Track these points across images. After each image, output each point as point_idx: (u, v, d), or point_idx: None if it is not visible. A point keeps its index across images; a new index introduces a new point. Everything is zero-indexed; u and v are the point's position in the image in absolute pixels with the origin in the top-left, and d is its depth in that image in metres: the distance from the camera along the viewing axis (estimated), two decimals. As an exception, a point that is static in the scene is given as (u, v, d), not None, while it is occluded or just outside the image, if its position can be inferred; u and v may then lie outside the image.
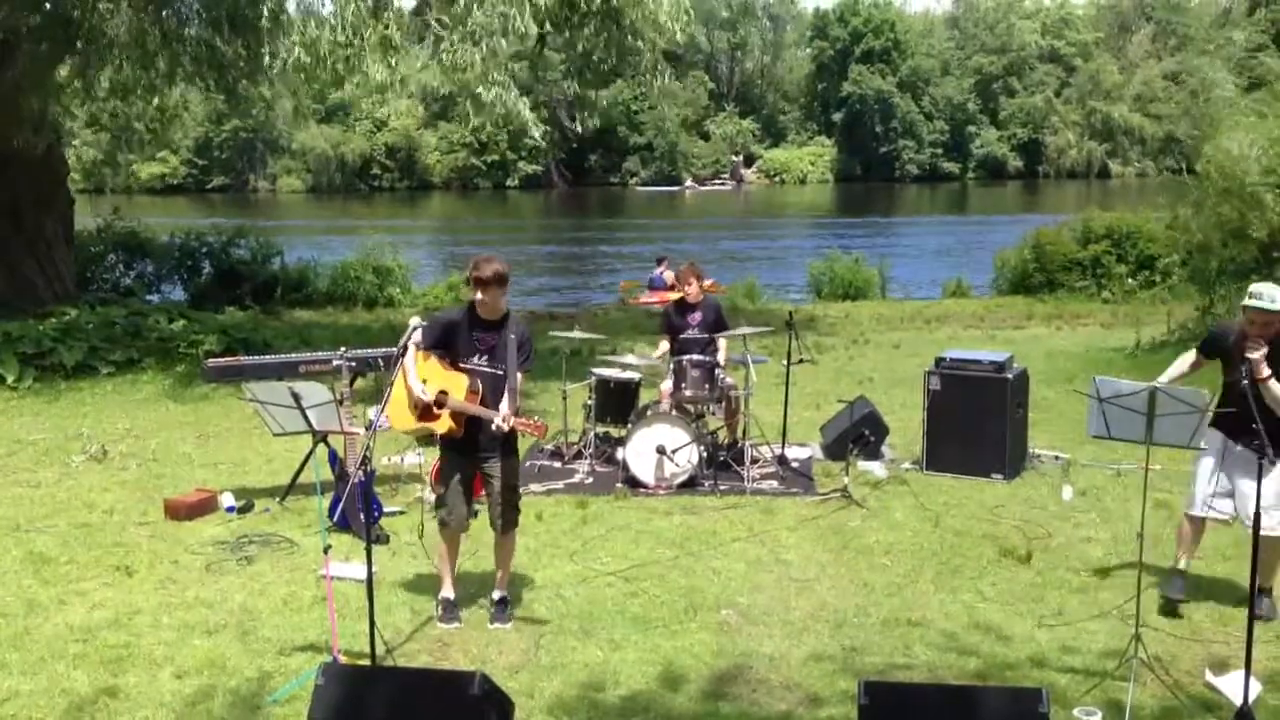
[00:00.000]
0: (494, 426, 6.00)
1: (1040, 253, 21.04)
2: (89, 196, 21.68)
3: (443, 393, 6.13)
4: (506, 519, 6.37)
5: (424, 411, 6.18)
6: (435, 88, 12.14)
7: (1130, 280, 20.07)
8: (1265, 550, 5.74)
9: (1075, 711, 5.13)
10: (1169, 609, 6.29)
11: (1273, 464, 5.28)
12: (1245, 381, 5.63)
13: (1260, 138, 12.61)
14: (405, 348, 6.11)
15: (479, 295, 6.10)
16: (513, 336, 6.17)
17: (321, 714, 4.58)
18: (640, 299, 21.30)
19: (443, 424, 6.18)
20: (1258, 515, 5.06)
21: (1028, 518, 8.02)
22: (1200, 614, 6.30)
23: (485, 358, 6.19)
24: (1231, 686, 5.23)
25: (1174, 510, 8.09)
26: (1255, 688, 5.14)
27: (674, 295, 22.56)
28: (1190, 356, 6.62)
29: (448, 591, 6.48)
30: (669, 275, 22.29)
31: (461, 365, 6.20)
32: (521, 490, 8.62)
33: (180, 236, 21.06)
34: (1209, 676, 5.47)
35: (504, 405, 6.06)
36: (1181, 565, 6.48)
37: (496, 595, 6.44)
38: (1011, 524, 7.91)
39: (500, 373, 6.16)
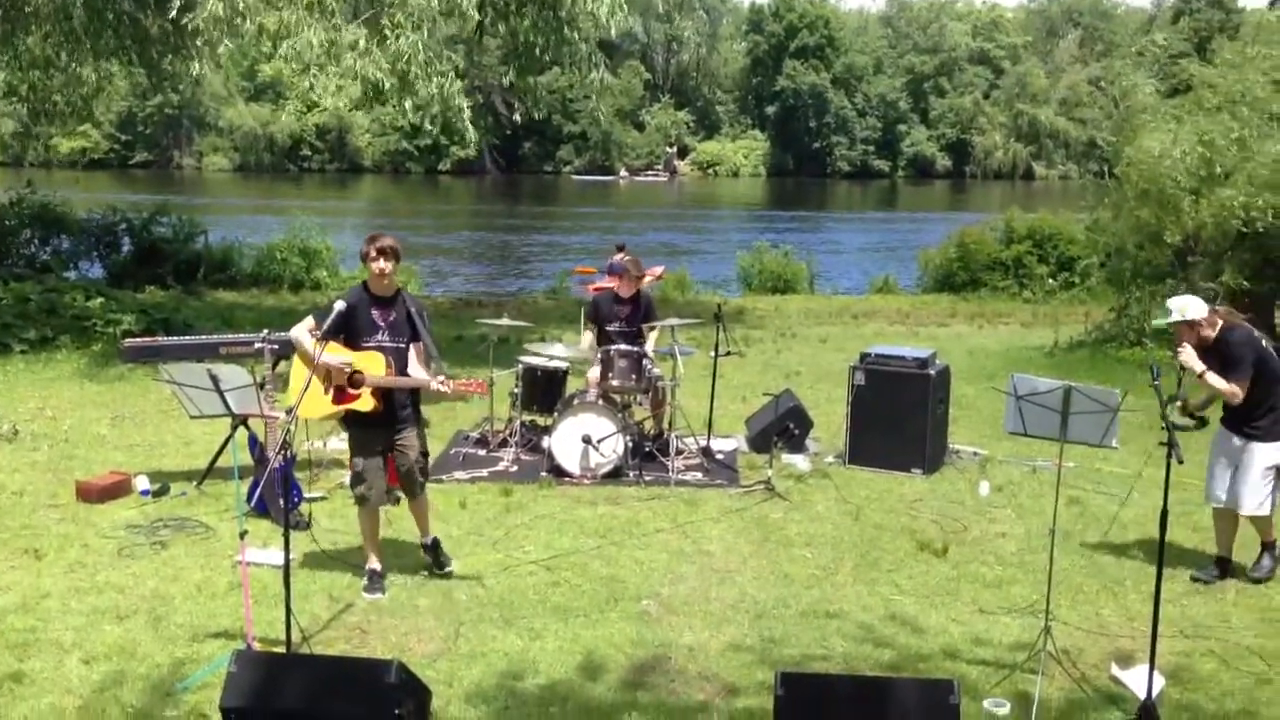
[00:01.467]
0: (434, 388, 6.17)
1: (965, 252, 21.41)
2: (6, 170, 21.07)
3: (357, 372, 6.16)
4: (415, 484, 6.53)
5: (339, 394, 6.18)
6: (379, 79, 11.81)
7: (1051, 281, 20.52)
8: (1252, 524, 6.86)
9: (985, 703, 5.23)
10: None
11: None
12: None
13: (1178, 142, 12.92)
14: (329, 330, 6.05)
15: (377, 265, 6.20)
16: (411, 308, 6.34)
17: (233, 701, 4.53)
18: (599, 285, 21.35)
19: (365, 402, 6.21)
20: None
21: (945, 512, 8.16)
22: (1108, 609, 6.46)
23: (386, 334, 6.30)
24: (1136, 680, 5.37)
25: (1086, 506, 8.32)
26: (1159, 682, 5.29)
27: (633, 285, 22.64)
28: None
29: (373, 564, 6.54)
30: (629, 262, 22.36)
31: (364, 344, 6.26)
32: (446, 478, 8.68)
33: (100, 212, 20.56)
34: (1114, 670, 5.61)
35: (421, 372, 6.28)
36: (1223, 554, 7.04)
37: (430, 540, 6.71)
38: (929, 518, 8.04)
39: (403, 346, 6.31)
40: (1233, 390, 6.59)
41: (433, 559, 6.75)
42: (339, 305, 6.08)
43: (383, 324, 6.28)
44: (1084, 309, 16.58)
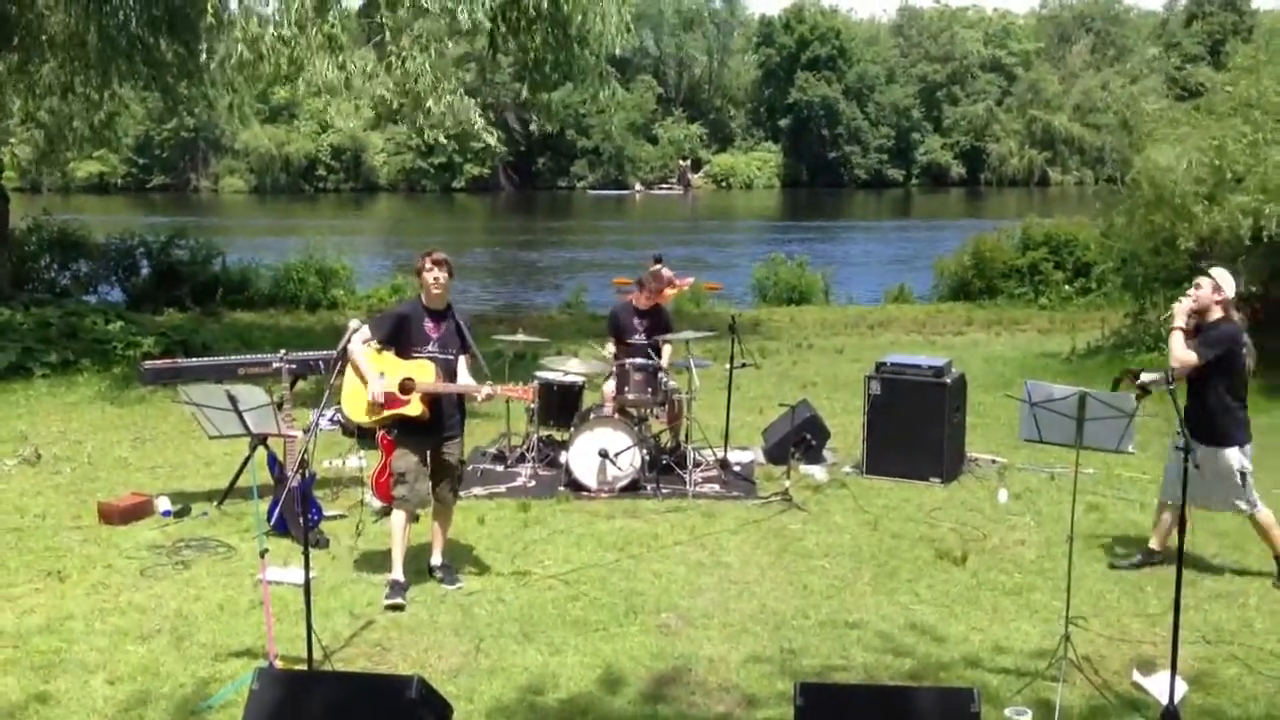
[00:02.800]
0: (481, 398, 6.44)
1: (980, 259, 21.37)
2: (25, 195, 21.27)
3: (408, 379, 6.41)
4: (456, 490, 6.91)
5: (389, 400, 6.41)
6: (388, 100, 12.04)
7: (1067, 287, 20.46)
8: (1254, 525, 6.91)
9: (1006, 711, 5.22)
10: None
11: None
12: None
13: (1188, 149, 12.88)
14: (345, 350, 6.24)
15: (431, 276, 6.47)
16: (461, 322, 6.62)
17: (256, 719, 4.55)
18: (633, 297, 21.57)
19: (415, 407, 6.45)
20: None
21: (964, 520, 8.15)
22: (1129, 616, 6.44)
23: (436, 345, 6.55)
24: (1158, 686, 5.35)
25: (1105, 512, 8.29)
26: (1181, 688, 5.26)
27: (669, 293, 23.08)
28: None
29: (397, 574, 6.63)
30: (666, 272, 22.84)
31: (414, 355, 6.51)
32: (464, 494, 8.71)
33: (118, 236, 20.73)
34: (1136, 676, 5.60)
35: (470, 381, 6.54)
36: (1154, 547, 7.13)
37: (438, 560, 6.86)
38: (948, 527, 8.03)
39: (451, 358, 6.56)
40: (1185, 357, 6.58)
41: (443, 576, 6.85)
42: (400, 311, 6.56)
43: (434, 335, 6.55)
44: (1100, 315, 16.53)
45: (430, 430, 6.59)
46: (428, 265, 6.52)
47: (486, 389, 6.41)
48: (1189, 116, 13.82)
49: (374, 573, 6.96)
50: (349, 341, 6.37)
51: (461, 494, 8.66)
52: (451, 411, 6.65)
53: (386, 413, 6.48)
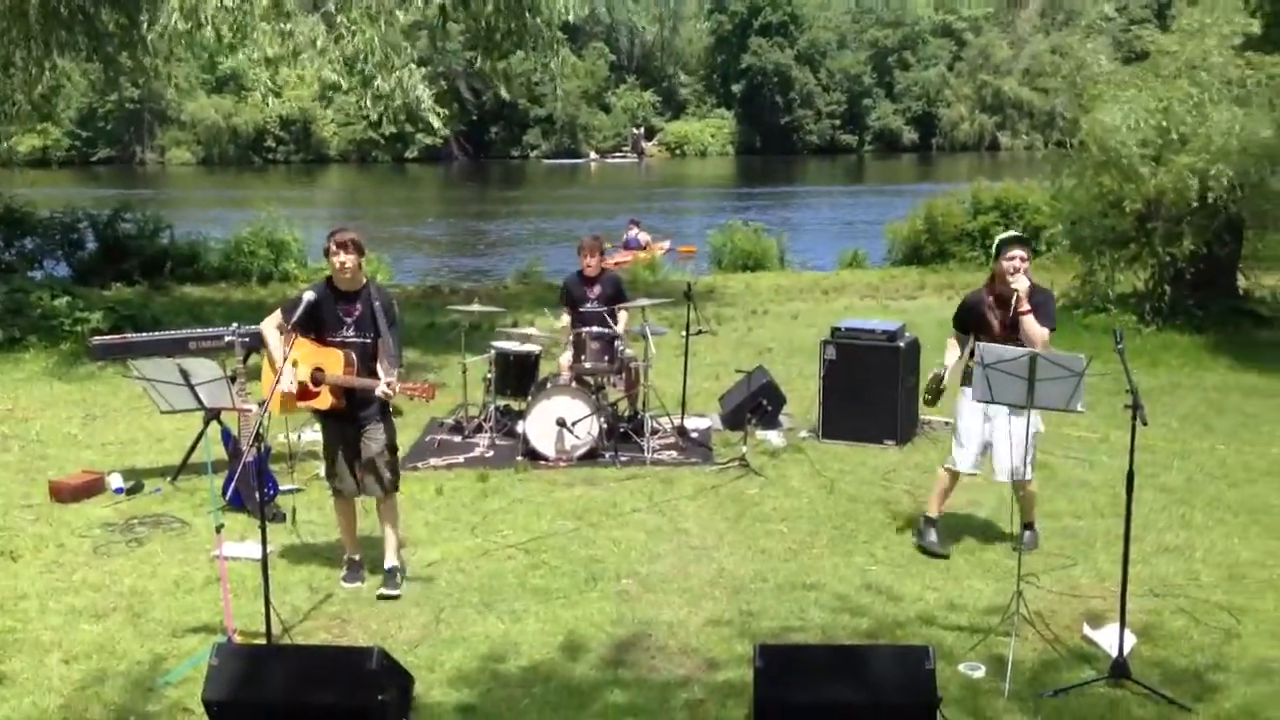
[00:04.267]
0: (379, 393, 6.04)
1: (932, 224, 21.49)
2: (-36, 170, 20.88)
3: (319, 369, 6.15)
4: (388, 480, 6.40)
5: (302, 393, 6.18)
6: (335, 80, 11.74)
7: (1018, 250, 20.61)
8: (1023, 492, 6.73)
9: (961, 666, 5.32)
10: (933, 554, 6.76)
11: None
12: (996, 334, 6.46)
13: (1135, 109, 13.01)
14: (299, 321, 6.05)
15: (338, 260, 6.09)
16: (377, 303, 6.18)
17: (216, 694, 4.54)
18: (614, 259, 21.72)
19: (324, 400, 6.20)
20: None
21: (918, 483, 8.24)
22: (1078, 571, 6.57)
23: (352, 329, 6.21)
24: (1108, 639, 5.48)
25: (1055, 471, 8.41)
26: (1130, 640, 5.39)
27: (644, 255, 23.30)
28: (954, 341, 7.01)
29: (351, 553, 6.55)
30: (643, 236, 23.18)
31: (329, 339, 6.20)
32: (421, 465, 8.67)
33: (62, 211, 20.34)
34: (1086, 630, 5.72)
35: (382, 372, 6.12)
36: (932, 514, 6.91)
37: (387, 564, 6.44)
38: (903, 489, 8.13)
39: (368, 340, 6.19)
40: (1044, 334, 6.45)
41: (384, 578, 6.39)
42: (307, 296, 6.08)
43: (348, 319, 6.20)
44: (1050, 277, 16.68)
45: (345, 419, 6.30)
46: (333, 248, 6.09)
47: (382, 386, 6.02)
48: (1135, 77, 13.94)
49: (332, 547, 6.94)
50: (302, 312, 6.04)
51: (420, 465, 8.69)
52: (369, 398, 6.21)
53: (300, 404, 6.23)
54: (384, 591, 6.30)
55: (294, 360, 6.08)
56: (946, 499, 6.98)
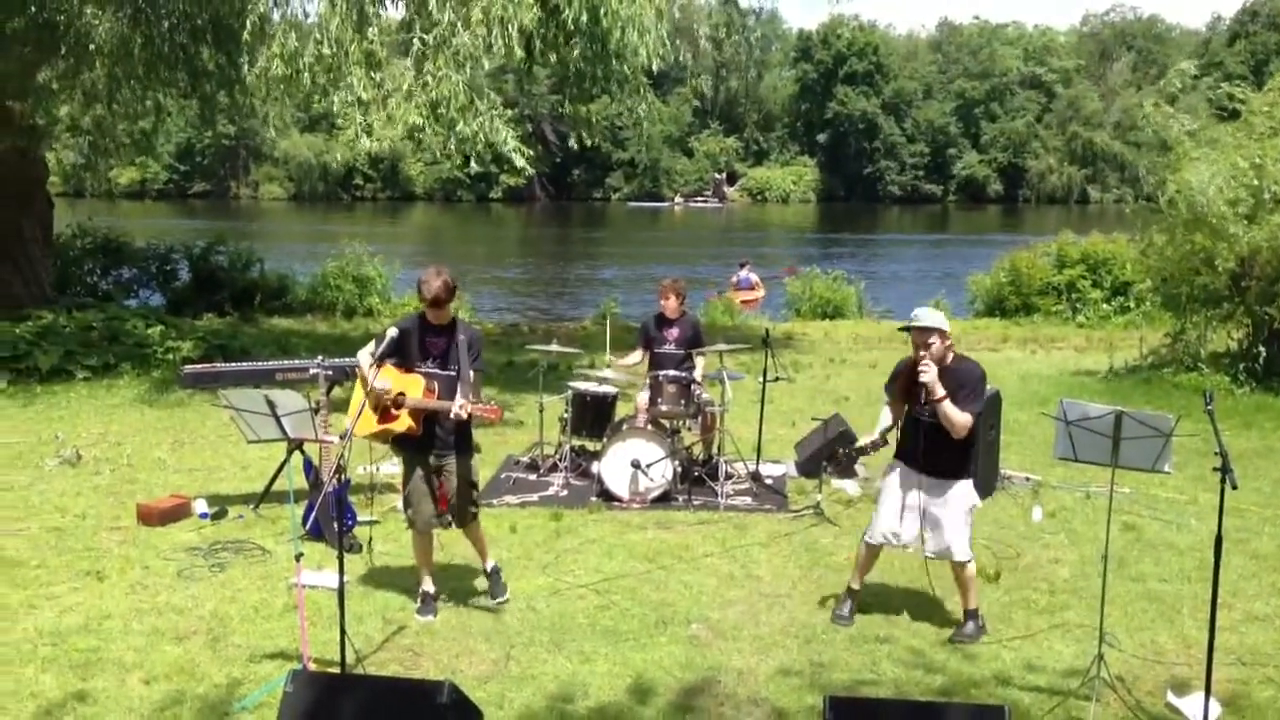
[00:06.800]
0: (452, 414, 6.22)
1: (1016, 276, 21.22)
2: (68, 201, 21.60)
3: (400, 394, 6.36)
4: (464, 513, 6.59)
5: (383, 415, 6.40)
6: (419, 125, 12.05)
7: (1105, 306, 20.28)
8: (958, 575, 6.35)
9: (1038, 729, 5.20)
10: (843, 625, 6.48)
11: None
12: (923, 405, 6.15)
13: (1221, 169, 12.77)
14: (382, 356, 6.30)
15: (431, 313, 6.39)
16: (462, 338, 6.44)
17: (290, 720, 4.60)
18: (742, 299, 23.33)
19: (402, 423, 6.39)
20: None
21: (997, 538, 8.10)
22: (1163, 636, 6.38)
23: (437, 361, 6.45)
24: (1192, 708, 5.31)
25: (1141, 532, 8.21)
26: (1215, 709, 5.22)
27: (759, 294, 23.94)
28: (887, 408, 6.60)
29: (426, 585, 6.65)
30: (754, 276, 23.62)
31: (416, 369, 6.45)
32: (496, 502, 8.74)
33: (158, 242, 21.01)
34: (1170, 698, 5.54)
35: (458, 397, 6.28)
36: (855, 586, 6.64)
37: (488, 566, 6.80)
38: (981, 543, 7.96)
39: (453, 373, 6.40)
40: (966, 422, 6.09)
41: (490, 586, 6.81)
42: (391, 332, 6.33)
43: (434, 352, 6.46)
44: (1139, 334, 16.39)
45: (422, 446, 6.48)
46: (428, 299, 6.32)
47: (455, 408, 6.19)
48: (1228, 135, 13.68)
49: (407, 578, 7.01)
50: (385, 348, 6.36)
51: (495, 502, 8.75)
52: (448, 428, 6.41)
53: (379, 427, 6.43)
54: (500, 599, 6.69)
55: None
56: (866, 572, 6.65)
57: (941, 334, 6.19)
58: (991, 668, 5.94)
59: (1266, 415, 12.14)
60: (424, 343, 6.46)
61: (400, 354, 6.44)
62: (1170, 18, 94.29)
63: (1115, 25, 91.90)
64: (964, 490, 6.31)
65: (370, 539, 7.65)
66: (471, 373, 6.38)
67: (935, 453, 6.25)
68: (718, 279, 26.97)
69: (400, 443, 6.55)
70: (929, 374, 6.10)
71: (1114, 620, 6.39)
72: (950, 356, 6.26)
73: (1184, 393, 12.77)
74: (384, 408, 6.38)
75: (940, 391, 6.10)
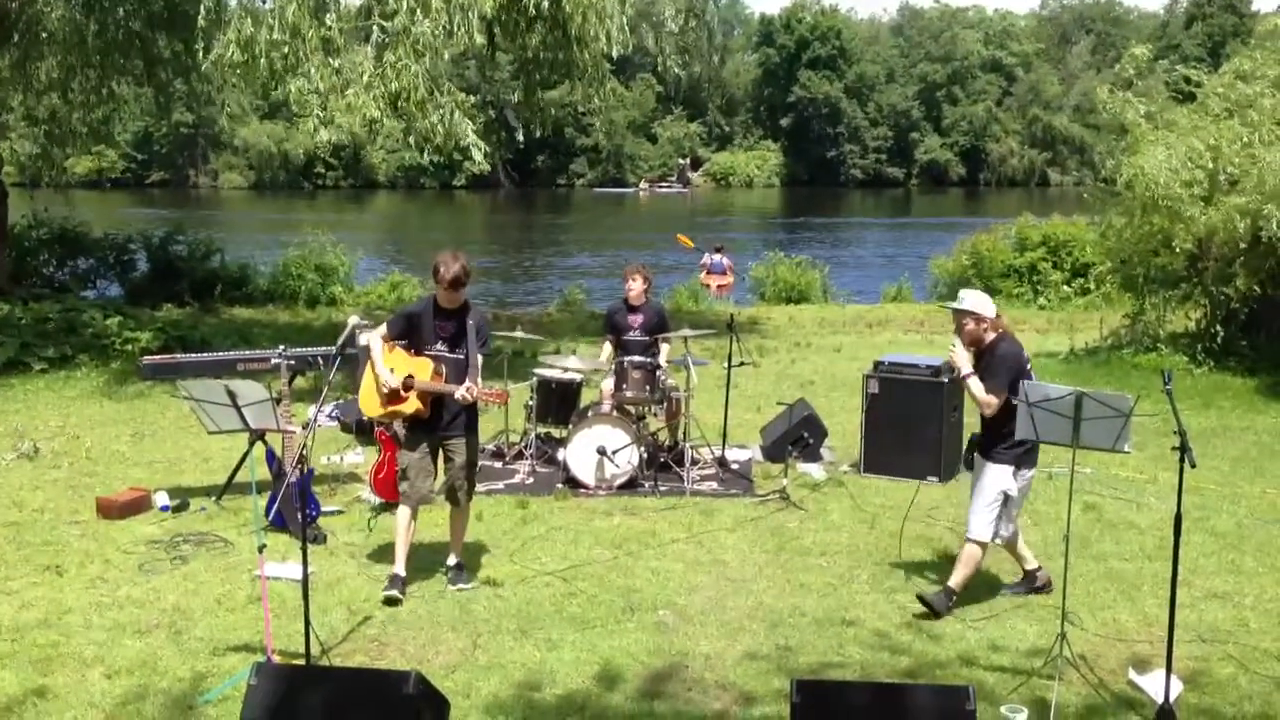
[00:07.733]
0: (458, 397, 6.42)
1: (978, 259, 21.37)
2: (24, 191, 21.22)
3: (410, 376, 6.54)
4: (465, 492, 6.81)
5: (391, 396, 6.57)
6: (377, 118, 11.93)
7: (1065, 287, 20.46)
8: (961, 550, 6.59)
9: (1002, 709, 5.23)
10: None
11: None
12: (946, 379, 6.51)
13: (1176, 151, 12.89)
14: (343, 346, 6.34)
15: (446, 295, 6.56)
16: (471, 323, 6.63)
17: (254, 714, 4.56)
18: (718, 283, 23.27)
19: (410, 405, 6.58)
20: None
21: (961, 520, 8.12)
22: (1124, 615, 6.45)
23: (446, 345, 6.65)
24: (1153, 685, 5.37)
25: (1102, 511, 8.30)
26: (1176, 686, 5.28)
27: (729, 279, 24.01)
28: None
29: (398, 568, 6.69)
30: (726, 261, 23.66)
31: (425, 352, 6.64)
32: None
33: (116, 232, 20.72)
34: (1132, 675, 5.61)
35: (466, 381, 6.47)
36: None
37: (452, 561, 6.87)
38: (945, 526, 8.04)
39: (462, 357, 6.61)
40: (989, 400, 6.30)
41: (451, 574, 6.85)
42: (412, 307, 6.72)
43: (444, 335, 6.64)
44: (1099, 315, 16.54)
45: (430, 427, 6.67)
46: (445, 284, 6.49)
47: (461, 390, 6.41)
48: (1183, 118, 13.81)
49: (372, 569, 6.98)
50: (346, 337, 6.52)
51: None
52: (455, 410, 6.64)
53: (389, 408, 6.63)
54: (461, 587, 6.71)
55: (390, 366, 6.57)
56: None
57: (976, 317, 6.49)
58: (956, 648, 5.99)
59: (1224, 394, 12.31)
60: (435, 325, 6.65)
61: (410, 336, 6.65)
62: (1129, 1, 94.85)
63: (1074, 9, 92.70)
64: (996, 473, 6.42)
65: (334, 530, 7.60)
66: (479, 359, 6.59)
67: (982, 432, 6.52)
68: (686, 265, 26.89)
69: (409, 422, 6.73)
70: (956, 352, 6.50)
71: (1076, 599, 6.45)
72: (990, 338, 6.49)
73: (1143, 373, 12.91)
74: (393, 390, 6.56)
75: (966, 369, 6.44)
